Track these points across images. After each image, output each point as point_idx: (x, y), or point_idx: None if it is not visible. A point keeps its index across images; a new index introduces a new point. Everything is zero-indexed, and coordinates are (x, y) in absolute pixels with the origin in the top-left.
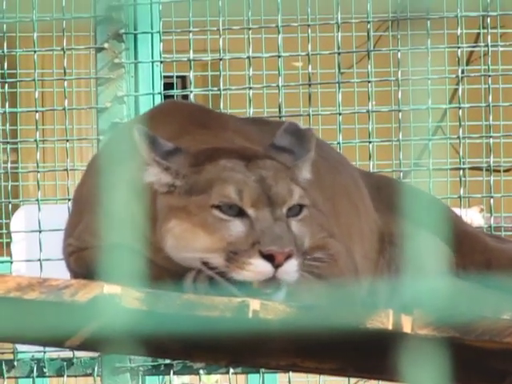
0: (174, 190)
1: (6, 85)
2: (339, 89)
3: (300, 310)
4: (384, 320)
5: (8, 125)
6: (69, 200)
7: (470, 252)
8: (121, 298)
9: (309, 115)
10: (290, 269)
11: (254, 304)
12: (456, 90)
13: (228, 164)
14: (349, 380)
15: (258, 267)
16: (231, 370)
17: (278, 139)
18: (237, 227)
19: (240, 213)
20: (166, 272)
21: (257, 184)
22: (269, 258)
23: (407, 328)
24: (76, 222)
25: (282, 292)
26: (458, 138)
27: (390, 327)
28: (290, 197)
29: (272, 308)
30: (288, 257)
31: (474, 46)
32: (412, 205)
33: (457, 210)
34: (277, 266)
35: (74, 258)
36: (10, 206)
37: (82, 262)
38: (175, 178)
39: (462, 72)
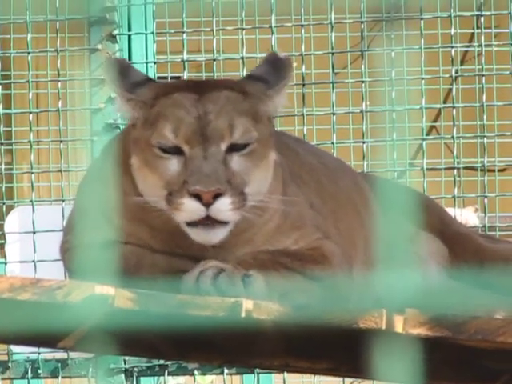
0: (136, 122)
1: (0, 86)
2: (333, 89)
3: (293, 310)
4: (377, 319)
5: (2, 126)
6: (63, 201)
7: (462, 252)
8: (113, 298)
9: (303, 115)
10: (222, 207)
11: (247, 304)
12: (450, 89)
13: (179, 98)
14: (343, 380)
15: (188, 206)
16: (226, 371)
17: (255, 69)
18: (172, 166)
19: (178, 151)
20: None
21: (195, 121)
22: (197, 197)
23: (399, 328)
24: (74, 218)
25: (217, 232)
26: (452, 137)
27: (384, 327)
28: (230, 133)
29: (265, 307)
30: (217, 195)
31: (467, 46)
32: (388, 197)
33: (451, 210)
34: (206, 205)
35: (69, 255)
36: (4, 207)
37: (77, 259)
38: (135, 109)
39: (456, 72)
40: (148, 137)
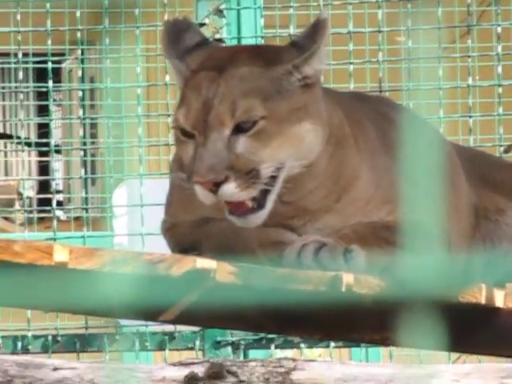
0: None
1: (108, 61)
2: (440, 63)
3: (394, 285)
4: (477, 294)
5: (110, 99)
6: None
7: None
8: (215, 272)
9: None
10: (228, 192)
11: (348, 278)
12: None
13: (200, 78)
14: (449, 355)
15: (199, 194)
16: (332, 344)
17: (299, 34)
18: (188, 150)
19: (191, 135)
20: (266, 244)
21: (201, 106)
22: (202, 185)
23: (499, 302)
24: (170, 198)
25: (252, 217)
26: None
27: (483, 301)
28: (231, 116)
29: (365, 282)
30: (221, 182)
31: None
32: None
33: None
34: (213, 192)
35: (169, 233)
36: (112, 180)
37: (176, 237)
38: (179, 79)
39: None
40: (174, 117)
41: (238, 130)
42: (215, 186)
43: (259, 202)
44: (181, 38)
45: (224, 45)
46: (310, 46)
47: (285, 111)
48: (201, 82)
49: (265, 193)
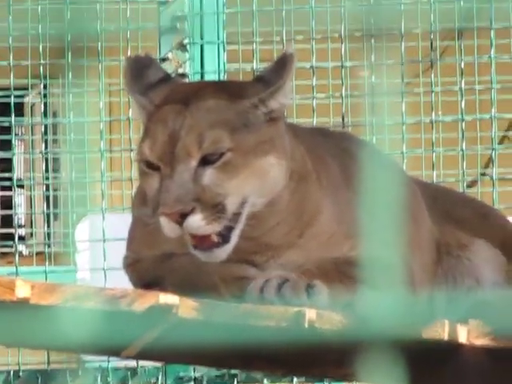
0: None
1: (71, 95)
2: (403, 98)
3: (356, 321)
4: (439, 330)
5: (73, 134)
6: None
7: None
8: (178, 307)
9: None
10: (194, 224)
11: (310, 313)
12: None
13: (166, 111)
14: None
15: (164, 225)
16: (295, 379)
17: (263, 69)
18: (153, 183)
19: (157, 167)
20: (229, 280)
21: (168, 138)
22: (168, 217)
23: (462, 338)
24: (133, 233)
25: (216, 252)
26: None
27: (446, 338)
28: (198, 147)
29: (328, 318)
30: (187, 214)
31: None
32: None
33: None
34: (178, 224)
35: (131, 269)
36: (75, 215)
37: (138, 273)
38: (142, 113)
39: None
40: (138, 150)
41: (205, 161)
42: (181, 218)
43: (224, 237)
44: (143, 74)
45: (187, 79)
46: (276, 81)
47: (251, 144)
48: (166, 115)
49: (229, 228)
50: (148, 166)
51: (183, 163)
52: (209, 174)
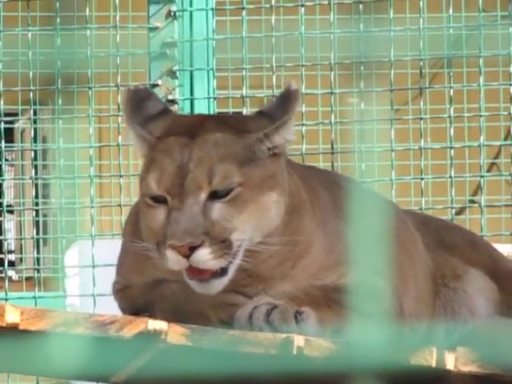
0: (144, 160)
1: (61, 121)
2: (392, 125)
3: (345, 347)
4: (427, 357)
5: (63, 160)
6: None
7: None
8: (166, 333)
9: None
10: (201, 258)
11: (299, 340)
12: (510, 127)
13: (170, 143)
14: None
15: (170, 258)
16: None
17: (267, 104)
18: (158, 215)
19: (163, 200)
20: (218, 307)
21: (176, 170)
22: (177, 249)
23: (450, 365)
24: (122, 259)
25: (212, 284)
26: (510, 174)
27: (434, 364)
28: (208, 181)
29: (316, 344)
30: (194, 247)
31: None
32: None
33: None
34: (186, 257)
35: (120, 295)
36: (64, 241)
37: (128, 299)
38: (143, 145)
39: None
40: (141, 185)
41: (214, 195)
42: (190, 251)
43: (222, 270)
44: (143, 106)
45: (176, 106)
46: (281, 116)
47: (258, 179)
48: (171, 146)
49: (229, 262)
50: (153, 199)
51: (193, 196)
52: (217, 209)
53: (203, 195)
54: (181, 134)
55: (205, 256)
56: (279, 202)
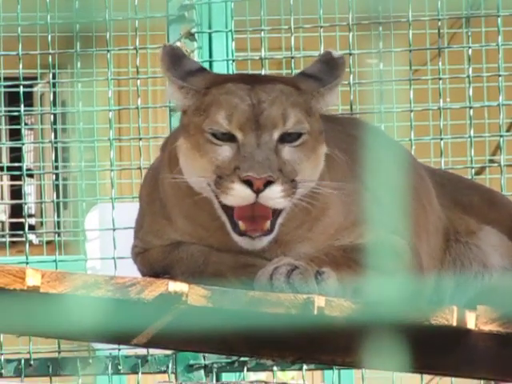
0: (187, 109)
1: (80, 84)
2: (411, 86)
3: (365, 307)
4: (448, 316)
5: (82, 124)
6: None
7: None
8: (187, 295)
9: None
10: (272, 195)
11: (319, 301)
12: None
13: (232, 87)
14: (422, 377)
15: (238, 192)
16: (304, 367)
17: (309, 67)
18: (224, 152)
19: (230, 137)
20: (238, 267)
21: (249, 108)
22: (248, 183)
23: (471, 324)
24: (141, 222)
25: (262, 239)
26: None
27: (455, 323)
28: (282, 122)
29: (337, 305)
30: (268, 183)
31: None
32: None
33: None
34: (257, 192)
35: (140, 258)
36: (85, 204)
37: (147, 262)
38: (186, 97)
39: None
40: (200, 123)
41: (283, 138)
42: (264, 185)
43: (270, 226)
44: (180, 63)
45: None
46: (330, 80)
47: (317, 131)
48: (234, 90)
49: (275, 216)
50: (216, 137)
51: (268, 133)
52: (288, 151)
53: (276, 134)
54: (237, 82)
55: (276, 193)
56: (324, 156)
